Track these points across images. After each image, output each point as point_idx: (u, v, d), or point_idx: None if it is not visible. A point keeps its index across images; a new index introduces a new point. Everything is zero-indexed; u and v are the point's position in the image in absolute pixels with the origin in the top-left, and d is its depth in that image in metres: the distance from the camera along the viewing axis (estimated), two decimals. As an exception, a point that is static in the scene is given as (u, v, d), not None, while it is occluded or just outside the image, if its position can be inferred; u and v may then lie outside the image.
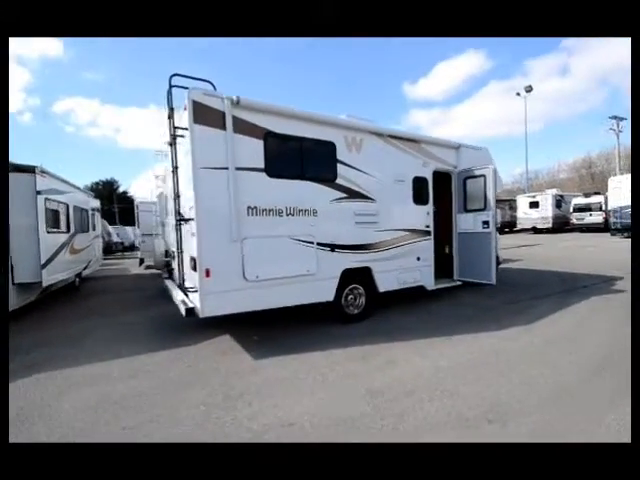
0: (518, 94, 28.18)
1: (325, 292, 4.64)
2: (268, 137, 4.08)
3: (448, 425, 2.41)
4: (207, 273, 3.71)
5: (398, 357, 3.67)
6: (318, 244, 4.50)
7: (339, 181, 4.69)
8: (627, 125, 31.69)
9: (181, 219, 3.99)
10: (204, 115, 3.66)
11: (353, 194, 4.84)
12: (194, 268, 3.76)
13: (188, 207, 3.90)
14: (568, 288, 6.73)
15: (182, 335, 4.72)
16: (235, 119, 3.81)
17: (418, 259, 5.67)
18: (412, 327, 4.72)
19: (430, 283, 5.85)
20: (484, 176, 5.78)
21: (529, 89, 27.98)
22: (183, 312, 3.74)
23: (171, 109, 3.75)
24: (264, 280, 4.06)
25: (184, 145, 3.87)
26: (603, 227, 19.70)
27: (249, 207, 3.96)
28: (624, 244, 13.56)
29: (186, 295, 4.30)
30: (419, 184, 5.65)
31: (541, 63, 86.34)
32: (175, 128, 3.72)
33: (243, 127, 3.88)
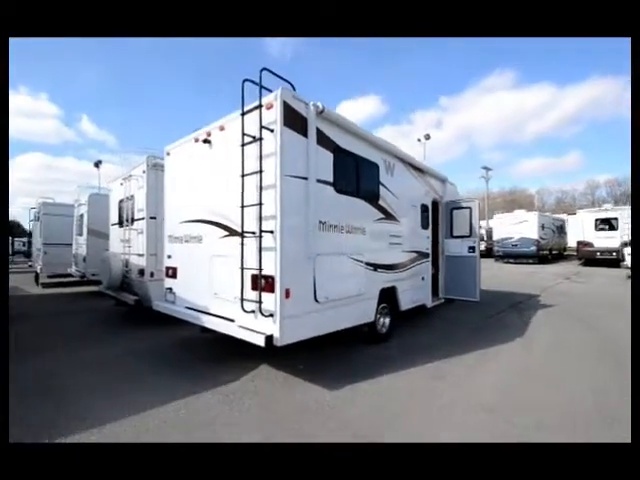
0: (419, 140, 33.17)
1: (369, 312, 4.56)
2: (336, 151, 3.93)
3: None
4: (287, 294, 3.26)
5: (448, 372, 3.86)
6: (366, 263, 4.45)
7: (380, 202, 4.78)
8: (494, 174, 40.48)
9: (245, 232, 3.41)
10: (291, 119, 3.32)
11: (388, 215, 4.98)
12: (268, 288, 3.24)
13: (254, 218, 3.40)
14: (512, 304, 8.13)
15: (209, 368, 3.94)
16: (316, 128, 3.57)
17: (422, 279, 6.09)
18: (433, 343, 4.99)
19: (429, 301, 6.33)
20: (470, 208, 6.69)
21: (428, 137, 33.33)
22: (259, 341, 3.14)
23: (260, 106, 3.25)
24: (330, 301, 3.77)
25: (242, 150, 3.41)
26: (486, 254, 24.42)
27: (320, 221, 3.69)
28: (508, 267, 17.19)
29: (226, 319, 3.65)
30: (424, 210, 6.18)
31: (422, 116, 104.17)
32: (262, 128, 3.22)
33: (320, 137, 3.65)
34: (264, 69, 3.24)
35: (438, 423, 2.80)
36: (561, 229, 23.98)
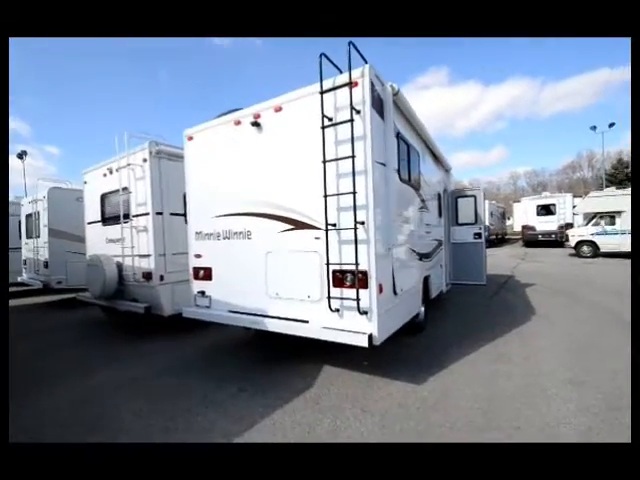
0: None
1: (419, 302, 4.52)
2: (398, 137, 3.75)
3: None
4: (380, 289, 3.06)
5: (505, 354, 4.01)
6: (417, 253, 4.39)
7: (420, 191, 4.73)
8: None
9: (329, 225, 3.09)
10: (373, 99, 3.07)
11: (424, 204, 4.96)
12: (361, 284, 2.99)
13: (334, 209, 3.11)
14: (498, 285, 8.79)
15: (270, 375, 3.59)
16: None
17: (441, 266, 6.25)
18: (463, 328, 5.13)
19: (444, 288, 6.53)
20: (475, 196, 7.00)
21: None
22: (360, 342, 2.87)
23: (350, 84, 2.90)
24: (404, 293, 3.65)
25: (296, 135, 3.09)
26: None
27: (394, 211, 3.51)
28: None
29: (295, 320, 3.33)
30: (439, 199, 6.30)
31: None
32: (355, 109, 2.89)
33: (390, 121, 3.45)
34: (350, 43, 2.91)
35: (542, 401, 2.87)
36: (503, 215, 26.66)
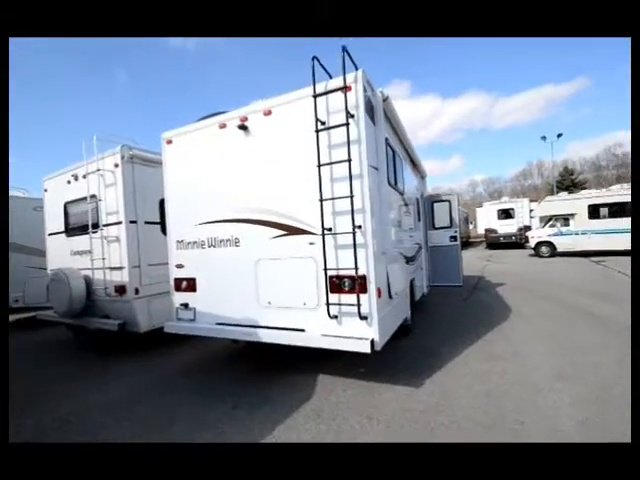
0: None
1: (408, 305, 4.55)
2: (386, 143, 3.79)
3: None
4: (379, 293, 3.03)
5: (494, 351, 4.15)
6: (404, 256, 4.43)
7: (404, 196, 4.82)
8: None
9: (326, 229, 3.03)
10: (366, 104, 3.08)
11: (408, 208, 5.06)
12: (361, 289, 2.94)
13: (329, 213, 3.06)
14: (471, 285, 9.15)
15: (264, 390, 3.43)
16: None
17: (421, 269, 6.38)
18: (448, 329, 5.25)
19: (425, 290, 6.67)
20: (449, 201, 7.26)
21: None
22: (363, 348, 2.81)
23: (344, 88, 2.87)
24: (397, 297, 3.65)
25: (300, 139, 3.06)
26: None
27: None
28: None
29: (290, 329, 3.21)
30: (417, 204, 6.46)
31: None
32: (349, 113, 2.86)
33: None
34: (344, 47, 2.91)
35: (537, 395, 2.96)
36: (466, 220, 28.03)
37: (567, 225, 14.08)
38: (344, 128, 2.93)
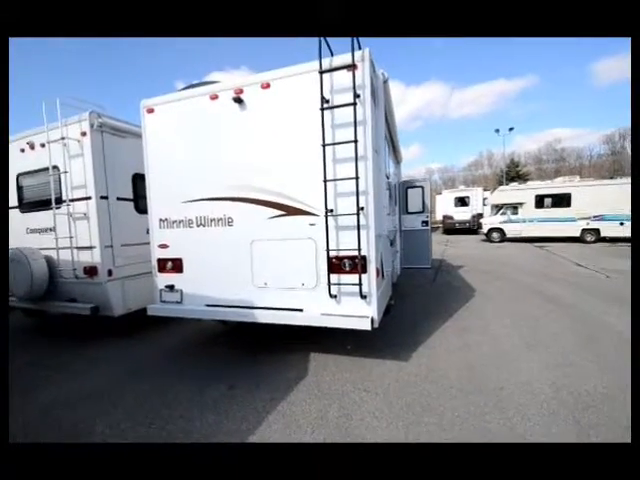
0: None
1: (390, 286, 4.75)
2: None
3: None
4: (378, 272, 3.14)
5: (466, 324, 4.56)
6: (388, 238, 4.59)
7: (389, 180, 4.94)
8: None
9: (329, 211, 3.03)
10: (371, 85, 3.07)
11: (389, 191, 5.20)
12: (361, 269, 3.02)
13: (333, 194, 3.07)
14: (435, 268, 9.74)
15: (258, 369, 3.45)
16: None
17: (397, 252, 6.66)
18: (422, 307, 5.65)
19: (399, 272, 6.99)
20: (422, 187, 7.58)
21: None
22: (364, 325, 2.92)
23: (353, 65, 2.81)
24: (386, 277, 3.80)
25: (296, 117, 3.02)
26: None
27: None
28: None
29: (287, 309, 3.25)
30: (394, 189, 6.66)
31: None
32: (356, 93, 2.82)
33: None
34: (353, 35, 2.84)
35: (511, 363, 3.33)
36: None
37: (516, 213, 15.40)
38: (349, 108, 2.91)
